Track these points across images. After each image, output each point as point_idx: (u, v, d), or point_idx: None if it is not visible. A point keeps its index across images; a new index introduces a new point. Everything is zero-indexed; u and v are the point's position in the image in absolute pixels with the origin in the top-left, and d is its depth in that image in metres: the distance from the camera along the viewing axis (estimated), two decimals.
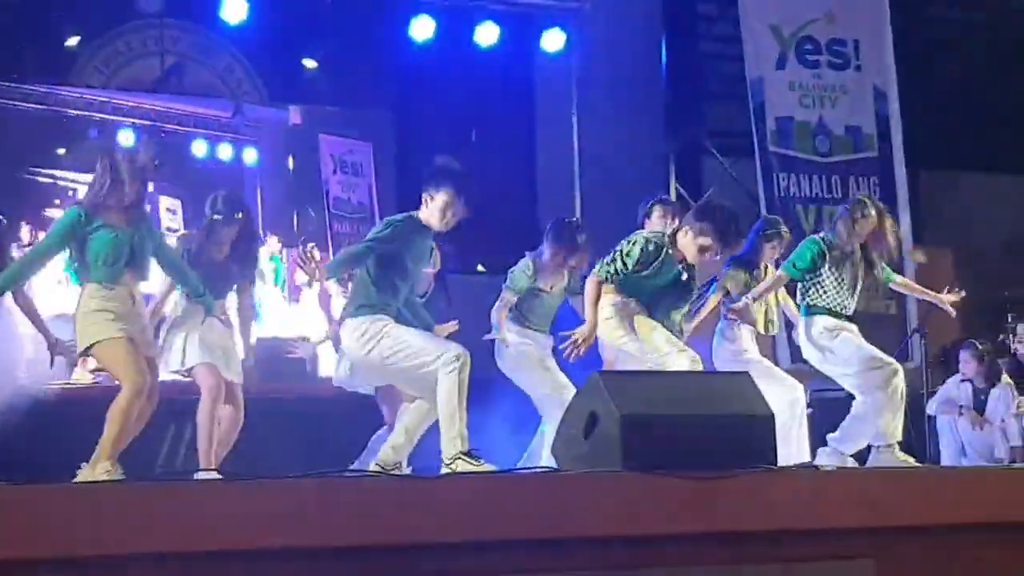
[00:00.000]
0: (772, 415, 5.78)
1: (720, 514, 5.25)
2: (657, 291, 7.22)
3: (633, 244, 7.17)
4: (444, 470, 6.22)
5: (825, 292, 7.64)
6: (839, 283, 7.63)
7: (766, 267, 8.20)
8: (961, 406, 10.46)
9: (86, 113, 11.46)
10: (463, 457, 6.26)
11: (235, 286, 7.40)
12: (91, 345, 6.36)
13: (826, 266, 7.62)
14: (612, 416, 5.47)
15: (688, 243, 7.10)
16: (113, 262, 6.34)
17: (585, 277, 7.50)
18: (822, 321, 7.62)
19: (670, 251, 7.16)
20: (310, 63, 12.00)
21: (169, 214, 11.60)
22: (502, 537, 4.96)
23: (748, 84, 12.03)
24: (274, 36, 11.61)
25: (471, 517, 4.94)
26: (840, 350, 7.59)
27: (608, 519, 5.11)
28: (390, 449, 6.67)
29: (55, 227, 6.48)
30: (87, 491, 4.90)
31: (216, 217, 7.17)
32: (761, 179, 11.79)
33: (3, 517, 4.37)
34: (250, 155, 11.89)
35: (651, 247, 7.13)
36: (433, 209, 6.64)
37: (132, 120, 11.47)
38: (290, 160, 12.27)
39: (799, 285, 7.78)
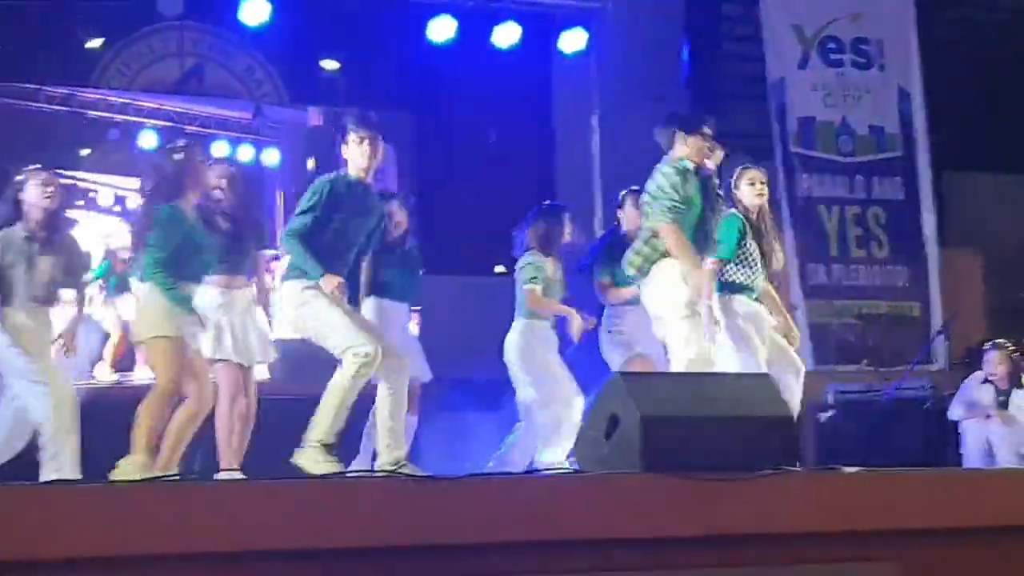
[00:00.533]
0: (792, 416, 5.75)
1: (741, 516, 5.22)
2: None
3: (664, 176, 6.98)
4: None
5: (745, 269, 7.34)
6: (755, 259, 7.35)
7: None
8: (987, 408, 10.34)
9: (107, 115, 11.49)
10: (316, 446, 6.23)
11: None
12: (146, 339, 6.61)
13: (747, 241, 7.32)
14: (633, 418, 5.45)
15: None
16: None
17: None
18: (742, 299, 7.30)
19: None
20: (330, 64, 12.00)
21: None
22: (522, 539, 4.94)
23: (768, 85, 11.99)
24: (294, 37, 11.63)
25: (490, 518, 4.92)
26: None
27: (629, 521, 5.08)
28: (384, 450, 6.63)
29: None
30: (107, 491, 4.89)
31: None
32: (783, 180, 11.73)
33: (21, 517, 4.38)
34: (271, 156, 11.90)
35: (680, 170, 6.97)
36: (355, 151, 6.62)
37: (153, 122, 11.50)
38: (310, 161, 12.26)
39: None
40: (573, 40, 11.95)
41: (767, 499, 5.26)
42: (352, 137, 6.61)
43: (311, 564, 4.68)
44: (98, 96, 11.58)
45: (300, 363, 8.38)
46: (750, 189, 7.41)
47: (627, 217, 8.23)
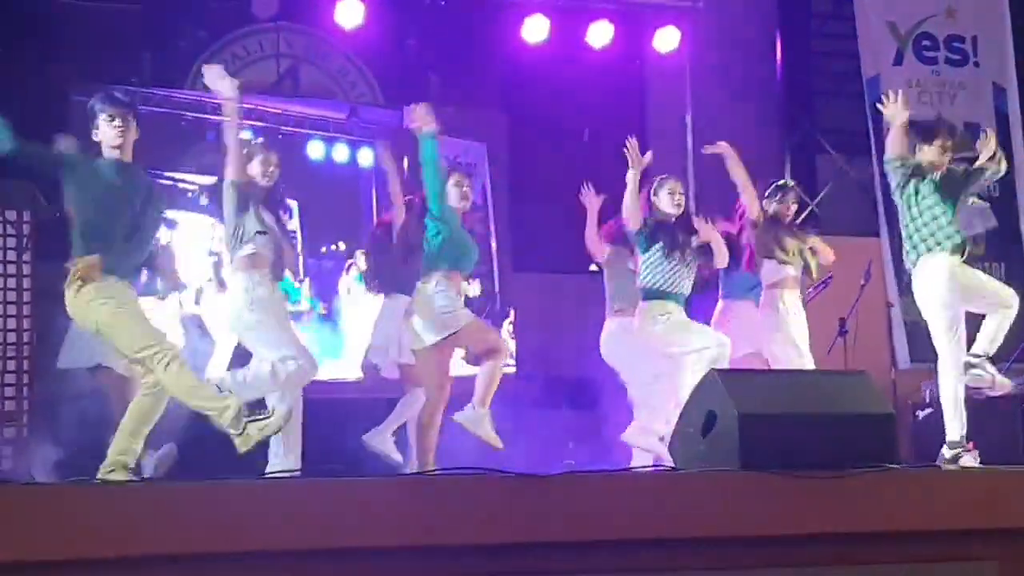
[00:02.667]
0: (892, 414, 5.72)
1: (839, 514, 5.21)
2: None
3: None
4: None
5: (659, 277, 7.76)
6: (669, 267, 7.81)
7: None
8: None
9: (204, 116, 11.59)
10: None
11: None
12: None
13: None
14: (730, 414, 5.45)
15: None
16: None
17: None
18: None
19: None
20: (424, 65, 12.07)
21: (286, 215, 11.73)
22: (618, 537, 4.96)
23: (864, 82, 11.90)
24: (388, 37, 11.70)
25: (585, 516, 4.94)
26: None
27: (726, 519, 5.08)
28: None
29: None
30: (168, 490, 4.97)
31: None
32: (878, 177, 11.63)
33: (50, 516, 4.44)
34: (365, 157, 11.95)
35: None
36: (106, 131, 6.41)
37: (249, 122, 11.59)
38: (405, 161, 12.34)
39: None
40: (666, 39, 11.93)
41: (865, 497, 5.24)
42: (102, 117, 6.39)
43: (411, 561, 4.74)
44: (194, 98, 11.70)
45: None
46: (669, 199, 7.87)
47: (661, 204, 8.25)
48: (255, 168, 7.19)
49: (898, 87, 11.77)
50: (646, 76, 12.61)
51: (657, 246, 7.77)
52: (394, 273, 8.18)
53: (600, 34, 11.75)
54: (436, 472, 6.71)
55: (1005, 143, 11.92)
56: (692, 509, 5.08)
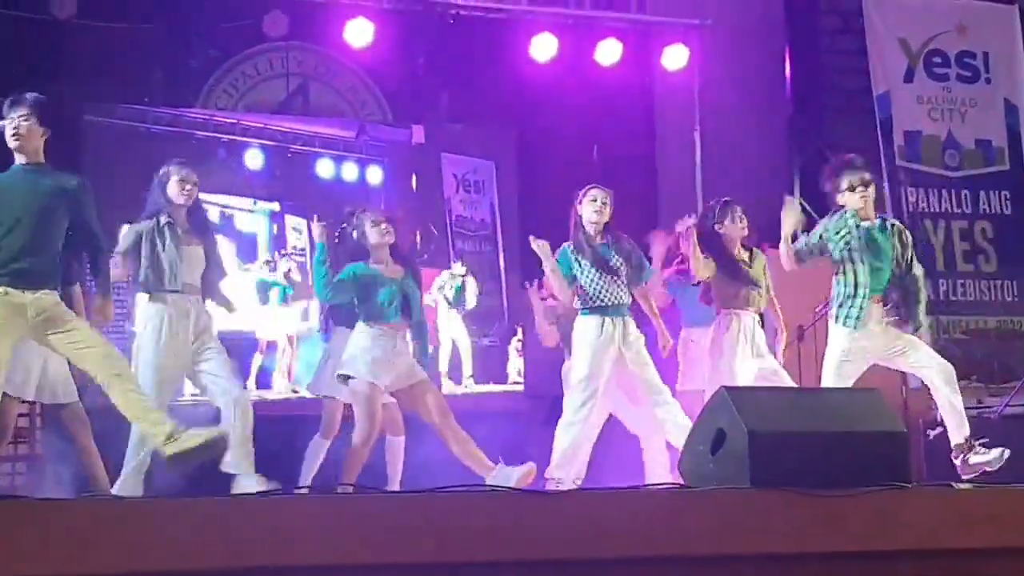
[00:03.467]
0: (905, 432, 5.70)
1: (851, 533, 5.18)
2: None
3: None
4: None
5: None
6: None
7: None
8: None
9: (214, 135, 11.63)
10: None
11: None
12: None
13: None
14: (740, 432, 5.44)
15: None
16: None
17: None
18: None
19: None
20: (432, 83, 12.09)
21: (295, 233, 11.74)
22: (627, 554, 4.94)
23: (874, 98, 11.89)
24: (397, 56, 11.72)
25: (596, 534, 4.92)
26: None
27: (736, 536, 5.06)
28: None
29: None
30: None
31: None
32: (888, 194, 11.62)
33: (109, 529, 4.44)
34: (374, 174, 11.98)
35: None
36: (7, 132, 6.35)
37: (259, 141, 11.62)
38: (413, 179, 12.35)
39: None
40: (675, 57, 11.92)
41: (877, 516, 5.22)
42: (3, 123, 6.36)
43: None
44: (206, 116, 11.73)
45: None
46: (590, 206, 7.78)
47: (727, 230, 8.18)
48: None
49: (908, 103, 11.86)
50: (655, 94, 12.60)
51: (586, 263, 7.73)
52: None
53: (608, 52, 11.74)
54: (444, 489, 6.69)
55: (1016, 160, 11.93)
56: (702, 526, 5.07)
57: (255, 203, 11.76)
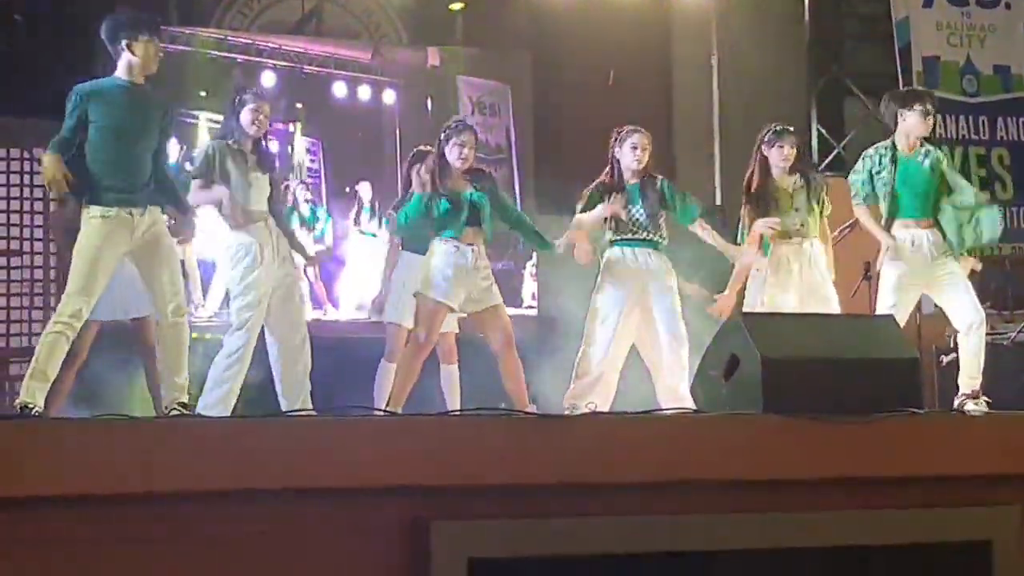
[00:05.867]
0: (917, 358, 5.70)
1: (862, 458, 5.21)
2: None
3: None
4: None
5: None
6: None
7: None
8: None
9: (229, 55, 11.58)
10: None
11: None
12: None
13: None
14: (753, 358, 5.44)
15: None
16: None
17: None
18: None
19: None
20: (449, 5, 12.02)
21: (309, 155, 11.72)
22: (639, 479, 4.96)
23: (894, 24, 11.79)
24: None
25: (607, 458, 4.95)
26: None
27: (748, 462, 5.09)
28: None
29: None
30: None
31: None
32: None
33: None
34: (389, 97, 11.93)
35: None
36: (140, 56, 6.38)
37: (273, 62, 11.57)
38: (428, 102, 12.30)
39: None
40: None
41: (889, 442, 5.24)
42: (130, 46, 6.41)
43: (433, 499, 4.76)
44: (220, 37, 11.68)
45: None
46: (631, 153, 7.58)
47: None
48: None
49: (927, 29, 11.76)
50: (672, 18, 12.51)
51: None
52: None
53: None
54: (458, 412, 6.74)
55: None
56: (714, 451, 5.09)
57: (270, 124, 11.71)
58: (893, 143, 7.53)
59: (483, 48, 12.19)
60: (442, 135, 7.38)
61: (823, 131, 12.47)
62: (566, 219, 7.88)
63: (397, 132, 11.91)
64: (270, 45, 11.73)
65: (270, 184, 7.19)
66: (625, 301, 7.42)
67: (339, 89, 11.83)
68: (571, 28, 11.74)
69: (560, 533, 4.89)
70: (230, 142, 7.09)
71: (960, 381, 7.23)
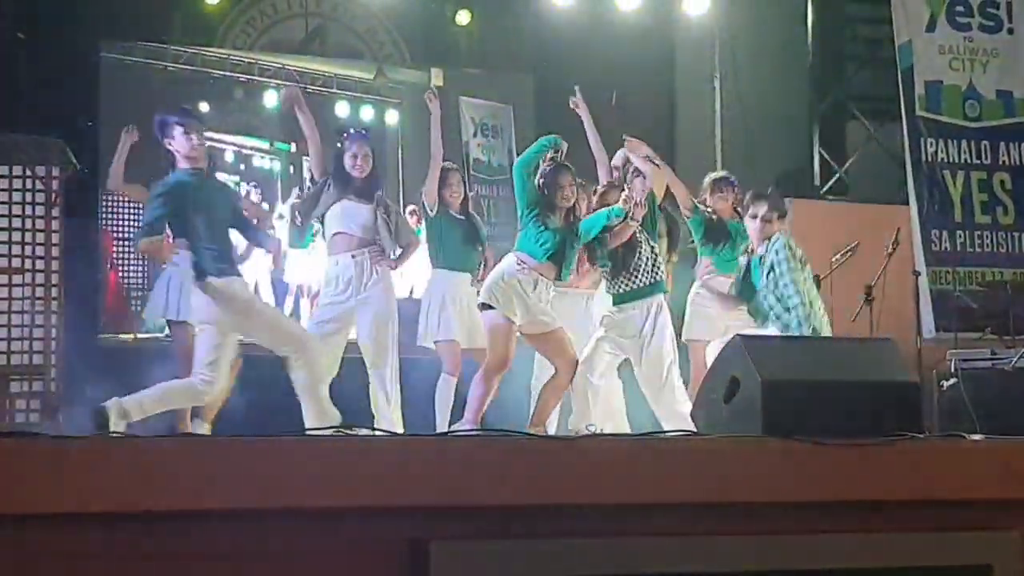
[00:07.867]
0: (917, 383, 5.69)
1: (861, 482, 5.18)
2: None
3: None
4: None
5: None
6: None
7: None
8: None
9: (232, 74, 11.61)
10: None
11: None
12: None
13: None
14: (753, 381, 5.43)
15: None
16: None
17: None
18: None
19: None
20: (452, 26, 12.06)
21: (311, 174, 11.74)
22: (638, 501, 4.95)
23: (896, 48, 11.81)
24: None
25: (607, 480, 4.93)
26: None
27: (748, 485, 5.07)
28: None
29: None
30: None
31: None
32: (908, 144, 11.57)
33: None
34: (392, 117, 11.97)
35: None
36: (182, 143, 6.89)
37: (276, 81, 11.61)
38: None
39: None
40: (696, 2, 11.85)
41: (888, 466, 5.22)
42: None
43: (434, 520, 4.74)
44: (223, 55, 11.72)
45: None
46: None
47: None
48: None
49: (930, 53, 11.78)
50: (675, 41, 12.54)
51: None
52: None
53: None
54: (460, 432, 6.73)
55: None
56: (715, 474, 5.07)
57: (272, 144, 11.75)
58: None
59: (486, 69, 12.22)
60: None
61: (825, 154, 12.49)
62: None
63: (399, 153, 11.94)
64: (273, 64, 11.78)
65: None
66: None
67: (342, 109, 11.86)
68: (574, 49, 11.77)
69: (560, 555, 4.87)
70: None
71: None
